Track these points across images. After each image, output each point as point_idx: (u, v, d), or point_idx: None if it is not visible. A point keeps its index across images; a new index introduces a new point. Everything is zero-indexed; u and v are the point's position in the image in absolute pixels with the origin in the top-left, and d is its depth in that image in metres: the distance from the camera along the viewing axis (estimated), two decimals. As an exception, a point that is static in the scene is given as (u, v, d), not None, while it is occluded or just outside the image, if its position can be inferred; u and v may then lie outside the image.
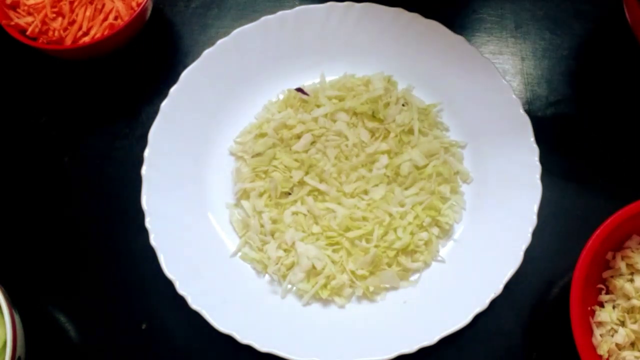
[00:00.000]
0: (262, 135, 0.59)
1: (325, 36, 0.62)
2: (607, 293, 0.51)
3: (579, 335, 0.46)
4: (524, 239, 0.53)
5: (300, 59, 0.62)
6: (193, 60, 0.60)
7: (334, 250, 0.55)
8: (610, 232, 0.48)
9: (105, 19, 0.61)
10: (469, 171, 0.58)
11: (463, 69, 0.60)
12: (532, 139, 0.56)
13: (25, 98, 0.65)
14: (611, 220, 0.48)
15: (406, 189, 0.57)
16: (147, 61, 0.65)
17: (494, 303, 0.52)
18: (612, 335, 0.49)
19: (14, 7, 0.61)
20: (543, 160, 0.56)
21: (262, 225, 0.56)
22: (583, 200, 0.58)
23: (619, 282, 0.50)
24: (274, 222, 0.56)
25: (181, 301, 0.52)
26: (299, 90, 0.61)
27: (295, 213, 0.56)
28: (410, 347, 0.50)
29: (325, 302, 0.54)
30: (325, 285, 0.54)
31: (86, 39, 0.60)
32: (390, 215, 0.55)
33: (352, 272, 0.54)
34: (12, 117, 0.64)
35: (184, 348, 0.54)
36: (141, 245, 0.54)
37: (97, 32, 0.61)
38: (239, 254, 0.56)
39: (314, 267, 0.54)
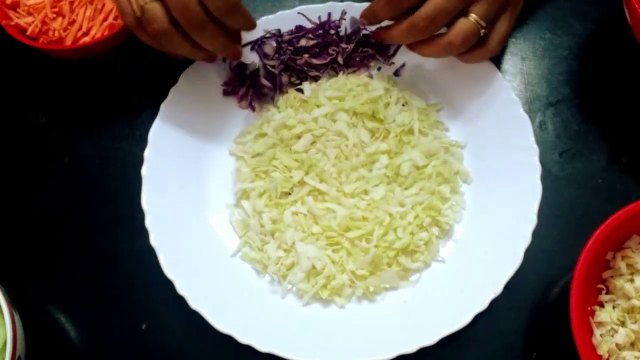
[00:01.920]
0: (262, 135, 0.59)
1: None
2: (607, 293, 0.51)
3: (579, 335, 0.46)
4: (524, 239, 0.53)
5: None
6: (193, 60, 0.60)
7: (334, 251, 0.55)
8: (610, 232, 0.48)
9: (105, 19, 0.61)
10: (469, 171, 0.58)
11: (463, 69, 0.60)
12: (532, 139, 0.56)
13: (26, 98, 0.65)
14: (611, 220, 0.48)
15: (406, 189, 0.57)
16: (147, 61, 0.65)
17: (493, 303, 0.52)
18: (612, 335, 0.49)
19: (14, 7, 0.61)
20: (543, 160, 0.56)
21: (262, 225, 0.56)
22: (583, 200, 0.58)
23: (619, 282, 0.50)
24: (274, 222, 0.56)
25: (181, 301, 0.52)
26: (299, 90, 0.61)
27: (295, 213, 0.56)
28: (410, 347, 0.50)
29: (325, 302, 0.54)
30: (325, 285, 0.54)
31: (86, 39, 0.61)
32: (390, 215, 0.55)
33: (352, 272, 0.54)
34: (12, 117, 0.64)
35: (184, 348, 0.54)
36: (141, 245, 0.54)
37: (97, 32, 0.61)
38: (239, 254, 0.56)
39: (314, 267, 0.54)
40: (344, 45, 0.61)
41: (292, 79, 0.61)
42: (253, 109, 0.61)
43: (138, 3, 0.49)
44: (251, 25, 0.54)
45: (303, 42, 0.61)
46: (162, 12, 0.50)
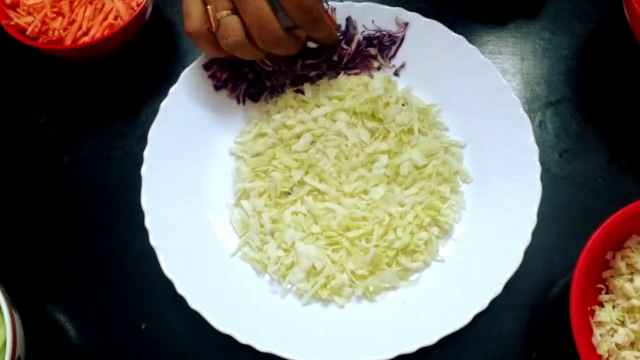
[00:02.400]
0: (262, 135, 0.59)
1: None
2: (607, 293, 0.51)
3: (579, 335, 0.46)
4: (524, 239, 0.53)
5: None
6: (193, 60, 0.60)
7: (334, 251, 0.55)
8: (610, 232, 0.48)
9: (105, 19, 0.61)
10: (469, 171, 0.58)
11: (463, 69, 0.60)
12: (532, 139, 0.56)
13: (26, 98, 0.65)
14: (611, 220, 0.48)
15: (406, 189, 0.57)
16: (147, 61, 0.65)
17: (494, 303, 0.52)
18: (612, 335, 0.49)
19: (14, 7, 0.61)
20: (543, 160, 0.56)
21: (262, 225, 0.56)
22: (583, 200, 0.58)
23: (619, 282, 0.50)
24: (274, 222, 0.56)
25: (181, 301, 0.52)
26: (299, 91, 0.61)
27: (295, 213, 0.56)
28: (410, 347, 0.50)
29: (325, 302, 0.54)
30: (325, 285, 0.54)
31: (86, 39, 0.60)
32: (390, 215, 0.55)
33: (352, 272, 0.54)
34: (12, 117, 0.64)
35: (184, 348, 0.54)
36: (141, 245, 0.54)
37: (97, 32, 0.61)
38: (239, 254, 0.56)
39: (314, 267, 0.54)
40: (344, 46, 0.61)
41: (286, 82, 0.61)
42: (241, 101, 0.61)
43: (215, 17, 0.50)
44: (333, 37, 0.57)
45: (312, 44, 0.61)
46: (239, 26, 0.50)
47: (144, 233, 0.54)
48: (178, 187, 0.57)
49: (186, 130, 0.59)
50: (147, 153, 0.57)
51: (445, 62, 0.60)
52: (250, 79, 0.61)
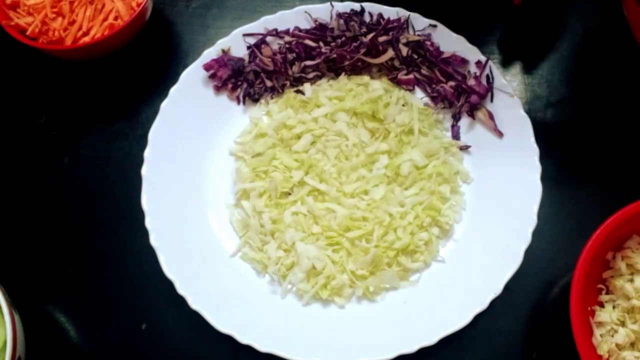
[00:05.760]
0: (262, 135, 0.59)
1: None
2: (607, 293, 0.51)
3: (579, 335, 0.46)
4: (524, 239, 0.53)
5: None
6: (193, 60, 0.60)
7: (334, 251, 0.55)
8: (610, 232, 0.48)
9: (105, 19, 0.61)
10: (469, 171, 0.58)
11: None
12: (532, 139, 0.56)
13: (26, 98, 0.65)
14: (611, 220, 0.48)
15: (406, 189, 0.57)
16: (147, 61, 0.65)
17: (494, 303, 0.52)
18: (612, 336, 0.49)
19: (14, 7, 0.61)
20: (543, 160, 0.56)
21: (262, 225, 0.56)
22: (583, 200, 0.58)
23: (619, 282, 0.50)
24: (274, 222, 0.56)
25: (181, 301, 0.52)
26: (298, 91, 0.61)
27: (295, 213, 0.56)
28: (410, 347, 0.50)
29: (325, 302, 0.54)
30: (325, 286, 0.54)
31: (86, 39, 0.60)
32: (391, 215, 0.55)
33: (352, 272, 0.54)
34: (12, 117, 0.64)
35: (184, 348, 0.54)
36: (141, 245, 0.54)
37: (97, 32, 0.61)
38: (239, 254, 0.56)
39: (314, 267, 0.54)
40: (366, 39, 0.60)
41: (287, 83, 0.61)
42: (241, 101, 0.61)
43: None
44: None
45: (310, 42, 0.60)
46: None
47: (144, 233, 0.54)
48: (178, 187, 0.57)
49: (186, 130, 0.59)
50: (147, 153, 0.57)
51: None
52: (250, 79, 0.61)
